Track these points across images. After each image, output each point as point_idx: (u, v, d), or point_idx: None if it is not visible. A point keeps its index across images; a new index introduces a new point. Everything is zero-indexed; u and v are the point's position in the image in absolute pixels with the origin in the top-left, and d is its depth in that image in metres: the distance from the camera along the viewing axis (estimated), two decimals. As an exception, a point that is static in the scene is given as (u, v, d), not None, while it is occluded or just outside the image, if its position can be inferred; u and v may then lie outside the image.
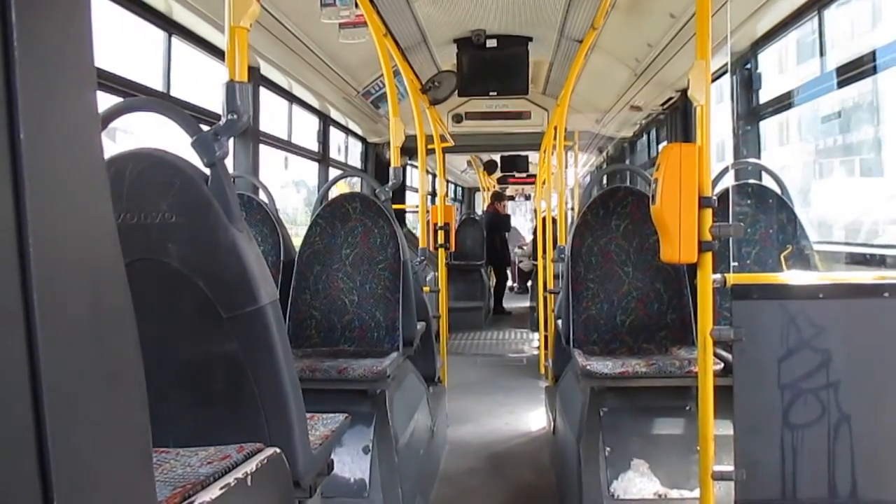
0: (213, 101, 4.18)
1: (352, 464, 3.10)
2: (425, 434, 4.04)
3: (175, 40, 3.80)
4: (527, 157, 13.89)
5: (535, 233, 11.32)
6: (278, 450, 1.66)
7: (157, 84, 3.70)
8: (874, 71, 3.31)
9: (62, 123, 0.74)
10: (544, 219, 6.77)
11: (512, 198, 19.88)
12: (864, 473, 2.11)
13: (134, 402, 0.83)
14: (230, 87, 1.75)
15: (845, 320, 2.14)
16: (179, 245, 1.68)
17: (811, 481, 2.13)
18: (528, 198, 20.45)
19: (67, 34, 0.75)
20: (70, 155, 0.75)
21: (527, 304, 11.33)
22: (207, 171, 1.71)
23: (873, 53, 3.28)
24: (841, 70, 3.56)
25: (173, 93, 3.80)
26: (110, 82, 3.21)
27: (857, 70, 3.42)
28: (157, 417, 0.89)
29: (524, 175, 15.28)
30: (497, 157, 14.06)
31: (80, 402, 0.74)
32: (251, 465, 1.51)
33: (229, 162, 1.78)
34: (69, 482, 0.70)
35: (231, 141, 1.78)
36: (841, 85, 3.62)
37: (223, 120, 1.72)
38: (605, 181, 8.39)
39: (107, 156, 0.97)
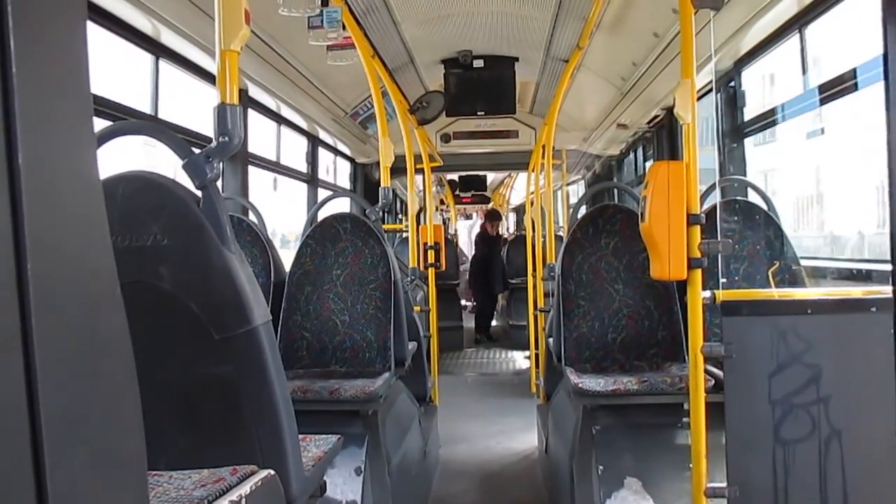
0: (201, 123, 4.18)
1: (344, 485, 3.08)
2: (417, 454, 4.01)
3: (163, 63, 3.80)
4: (484, 177, 13.90)
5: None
6: (272, 472, 1.65)
7: (145, 107, 3.70)
8: (856, 88, 3.36)
9: (60, 148, 0.75)
10: (534, 237, 6.79)
11: (470, 216, 19.91)
12: (855, 489, 2.12)
13: (130, 425, 0.83)
14: (221, 109, 1.75)
15: (834, 335, 2.16)
16: (171, 267, 1.68)
17: (803, 497, 2.13)
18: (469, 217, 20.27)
19: (65, 61, 0.76)
20: (68, 179, 0.76)
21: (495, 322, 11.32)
22: (199, 193, 1.71)
23: (854, 71, 3.32)
24: (823, 87, 3.60)
25: (160, 115, 3.80)
26: (98, 106, 3.20)
27: (839, 87, 3.46)
28: (149, 439, 0.89)
29: (478, 194, 15.29)
30: (456, 177, 14.07)
31: (77, 426, 0.74)
32: (245, 488, 1.50)
33: (218, 184, 1.78)
34: (66, 507, 0.70)
35: (220, 163, 1.79)
36: (823, 102, 3.66)
37: (214, 142, 1.73)
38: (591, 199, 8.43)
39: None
